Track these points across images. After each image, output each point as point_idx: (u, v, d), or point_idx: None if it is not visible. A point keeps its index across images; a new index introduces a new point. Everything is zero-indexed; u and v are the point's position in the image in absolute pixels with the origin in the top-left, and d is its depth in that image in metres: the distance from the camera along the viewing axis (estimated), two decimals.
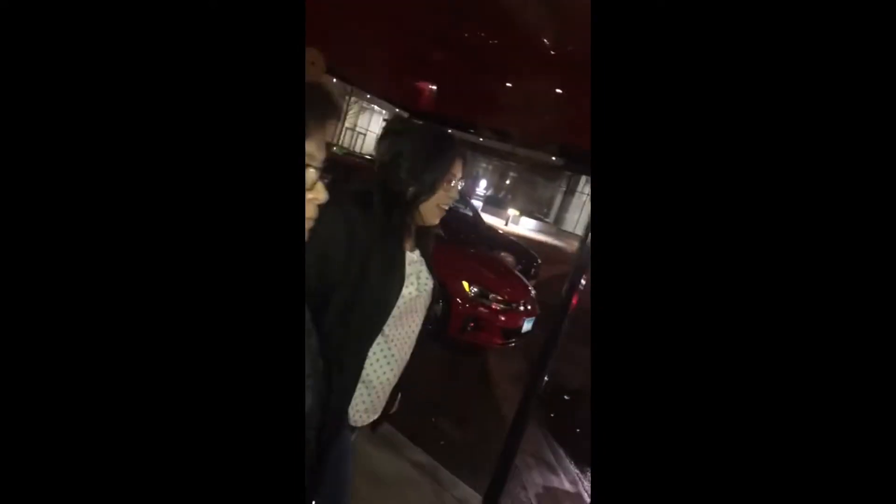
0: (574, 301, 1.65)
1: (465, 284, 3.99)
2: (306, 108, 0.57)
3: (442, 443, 2.77)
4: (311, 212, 0.61)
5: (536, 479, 2.78)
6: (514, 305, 4.14)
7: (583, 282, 1.60)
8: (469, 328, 3.99)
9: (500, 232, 7.52)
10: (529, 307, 4.30)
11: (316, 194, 0.60)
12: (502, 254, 5.63)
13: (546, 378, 1.65)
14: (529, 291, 4.52)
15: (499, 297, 4.11)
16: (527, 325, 4.30)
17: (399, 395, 1.28)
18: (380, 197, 1.06)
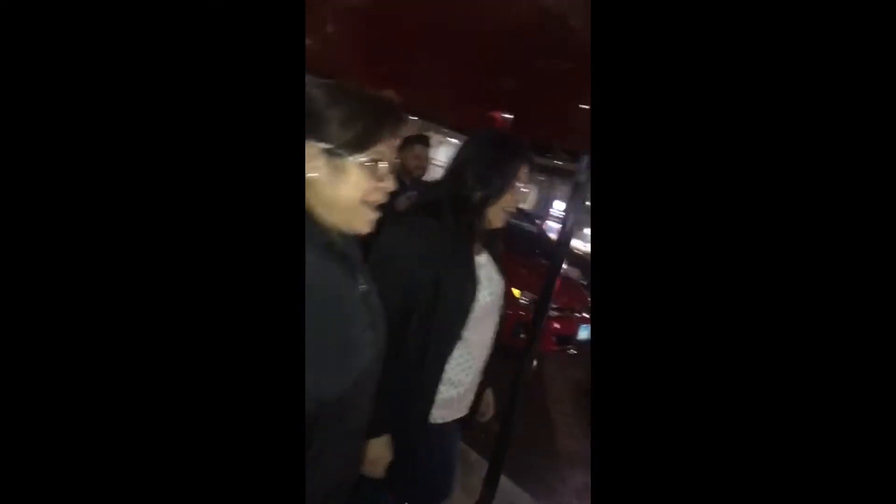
0: (558, 285, 1.72)
1: (516, 291, 4.07)
2: (381, 121, 0.73)
3: (482, 435, 2.86)
4: (380, 197, 0.75)
5: (578, 478, 2.76)
6: (567, 312, 4.14)
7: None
8: (521, 335, 4.04)
9: (569, 248, 7.53)
10: (586, 315, 4.27)
11: (387, 184, 0.75)
12: (566, 266, 5.62)
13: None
14: (587, 300, 4.49)
15: (553, 305, 4.14)
16: (583, 333, 4.26)
17: (491, 402, 1.37)
18: (448, 203, 1.11)
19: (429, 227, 1.08)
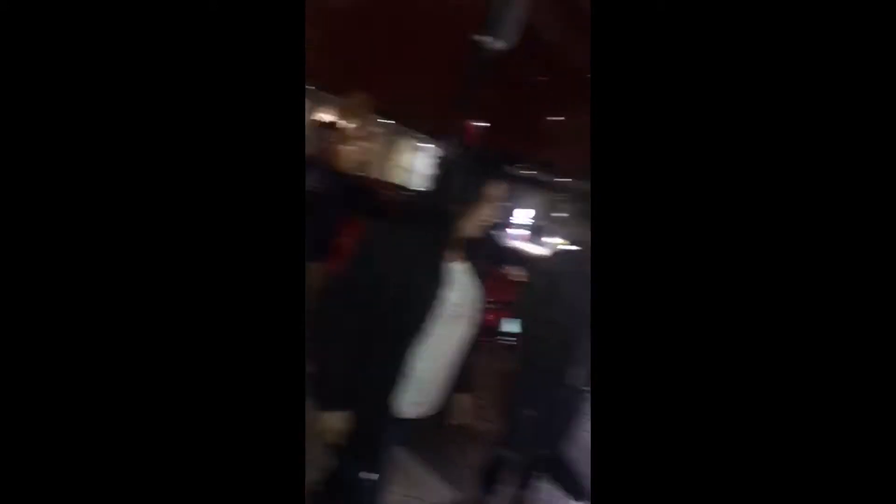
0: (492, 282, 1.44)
1: None
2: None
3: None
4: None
5: (477, 454, 2.48)
6: (496, 306, 4.55)
7: None
8: None
9: (519, 252, 6.20)
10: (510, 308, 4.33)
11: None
12: (509, 268, 4.29)
13: None
14: (515, 294, 4.45)
15: (489, 300, 4.73)
16: (510, 326, 4.43)
17: (468, 407, 1.41)
18: (424, 214, 1.24)
19: (400, 231, 1.23)
